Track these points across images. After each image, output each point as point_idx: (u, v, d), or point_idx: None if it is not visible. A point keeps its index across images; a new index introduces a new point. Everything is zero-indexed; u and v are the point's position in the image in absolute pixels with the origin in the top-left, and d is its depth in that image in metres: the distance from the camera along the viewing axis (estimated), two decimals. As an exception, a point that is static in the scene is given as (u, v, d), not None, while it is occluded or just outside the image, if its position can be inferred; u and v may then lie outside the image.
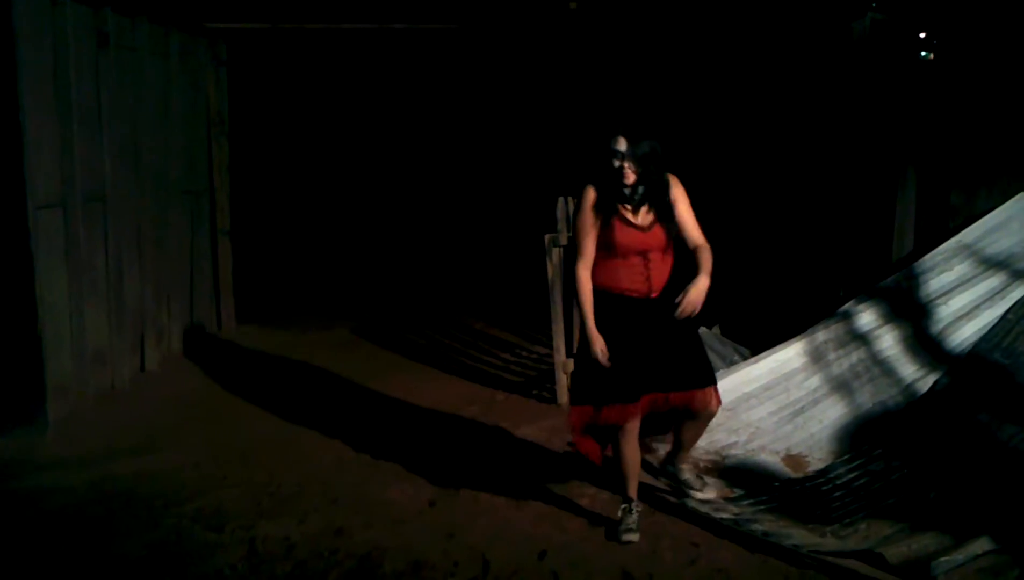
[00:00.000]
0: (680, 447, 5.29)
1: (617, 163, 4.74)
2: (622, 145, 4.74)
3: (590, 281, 4.89)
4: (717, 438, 6.14)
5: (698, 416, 5.02)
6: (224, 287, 9.44)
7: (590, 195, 4.86)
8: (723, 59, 8.58)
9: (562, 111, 10.27)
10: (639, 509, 4.98)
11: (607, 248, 4.85)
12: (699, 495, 5.34)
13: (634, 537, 4.86)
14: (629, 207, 4.81)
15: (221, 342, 9.06)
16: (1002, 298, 6.52)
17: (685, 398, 4.90)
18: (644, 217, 4.82)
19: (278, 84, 11.88)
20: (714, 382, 5.02)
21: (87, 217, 6.91)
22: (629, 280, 4.85)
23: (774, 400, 6.44)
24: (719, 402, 5.02)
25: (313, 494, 5.51)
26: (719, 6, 8.36)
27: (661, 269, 4.87)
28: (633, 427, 4.90)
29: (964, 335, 6.42)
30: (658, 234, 4.83)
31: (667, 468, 5.42)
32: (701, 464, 5.91)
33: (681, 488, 5.36)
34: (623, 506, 4.97)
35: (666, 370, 4.85)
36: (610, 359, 4.80)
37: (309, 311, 10.48)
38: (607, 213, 4.83)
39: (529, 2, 8.81)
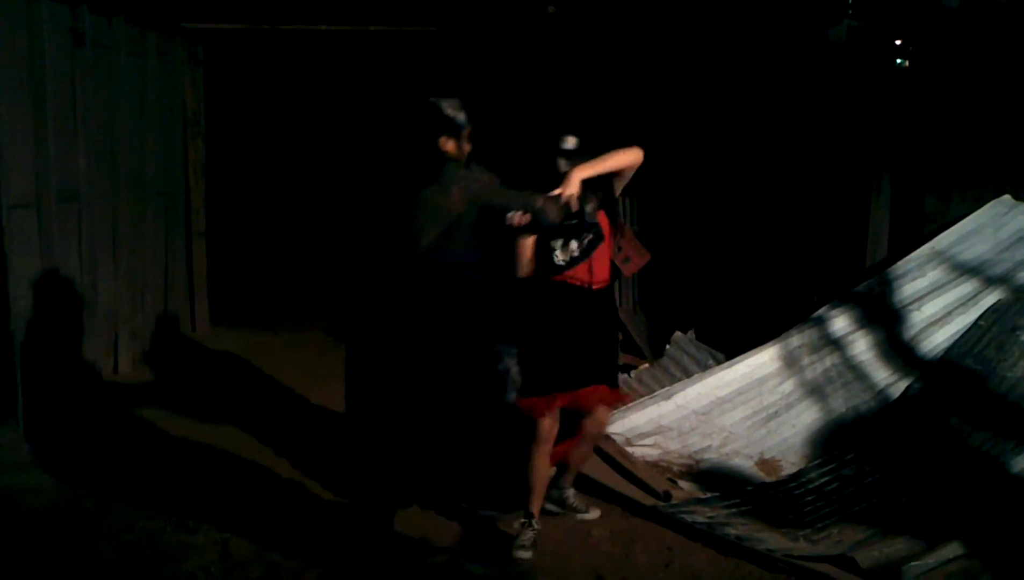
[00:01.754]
0: (566, 468, 5.16)
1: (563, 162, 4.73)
2: (570, 143, 4.79)
3: None
4: (691, 442, 6.16)
5: (587, 426, 4.94)
6: (199, 289, 9.38)
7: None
8: (700, 64, 8.61)
9: (538, 113, 10.27)
10: (538, 527, 4.80)
11: None
12: (585, 517, 5.20)
13: (527, 555, 4.71)
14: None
15: (194, 344, 9.00)
16: (974, 304, 6.57)
17: (586, 393, 4.82)
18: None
19: (255, 85, 11.83)
20: (614, 384, 4.99)
21: (61, 217, 6.86)
22: None
23: (748, 405, 6.46)
24: (613, 402, 5.01)
25: (288, 494, 5.50)
26: (697, 12, 8.38)
27: (603, 260, 4.84)
28: (550, 435, 4.81)
29: (936, 341, 6.47)
30: (602, 219, 4.78)
31: (551, 492, 5.13)
32: (675, 468, 5.93)
33: (566, 511, 5.21)
34: (523, 520, 4.81)
35: (582, 365, 4.82)
36: (548, 349, 4.74)
37: (283, 313, 10.43)
38: None
39: (507, 5, 8.82)
